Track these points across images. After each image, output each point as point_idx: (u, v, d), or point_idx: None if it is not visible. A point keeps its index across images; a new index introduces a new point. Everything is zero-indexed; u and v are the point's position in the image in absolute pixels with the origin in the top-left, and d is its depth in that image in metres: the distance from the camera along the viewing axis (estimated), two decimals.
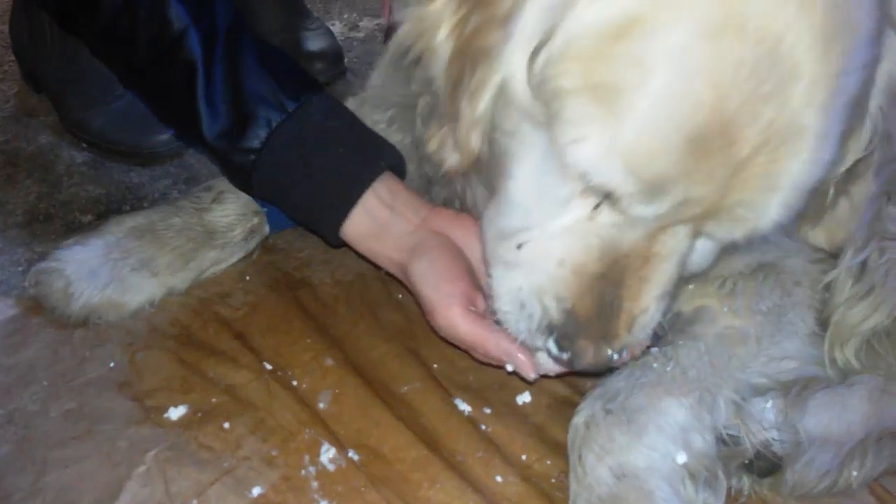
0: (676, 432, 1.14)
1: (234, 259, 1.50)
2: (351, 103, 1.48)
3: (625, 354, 1.07)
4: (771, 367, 1.22)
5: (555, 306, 1.05)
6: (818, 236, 1.25)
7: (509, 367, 1.17)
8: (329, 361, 1.37)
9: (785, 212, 0.93)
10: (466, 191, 1.30)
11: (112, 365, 1.34)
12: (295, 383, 1.33)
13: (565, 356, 1.07)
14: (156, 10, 1.28)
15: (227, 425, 1.26)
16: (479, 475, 1.23)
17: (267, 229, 1.52)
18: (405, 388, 1.35)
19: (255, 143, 1.27)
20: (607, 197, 0.96)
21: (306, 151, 1.27)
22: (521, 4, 0.95)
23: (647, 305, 1.03)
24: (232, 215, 1.47)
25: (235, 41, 1.30)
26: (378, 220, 1.26)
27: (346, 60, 2.15)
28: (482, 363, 1.25)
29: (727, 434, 1.17)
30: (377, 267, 1.35)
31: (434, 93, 1.15)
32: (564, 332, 1.05)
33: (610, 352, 1.05)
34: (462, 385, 1.37)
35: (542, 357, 1.15)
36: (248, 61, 1.29)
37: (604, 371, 1.14)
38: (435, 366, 1.39)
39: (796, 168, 0.90)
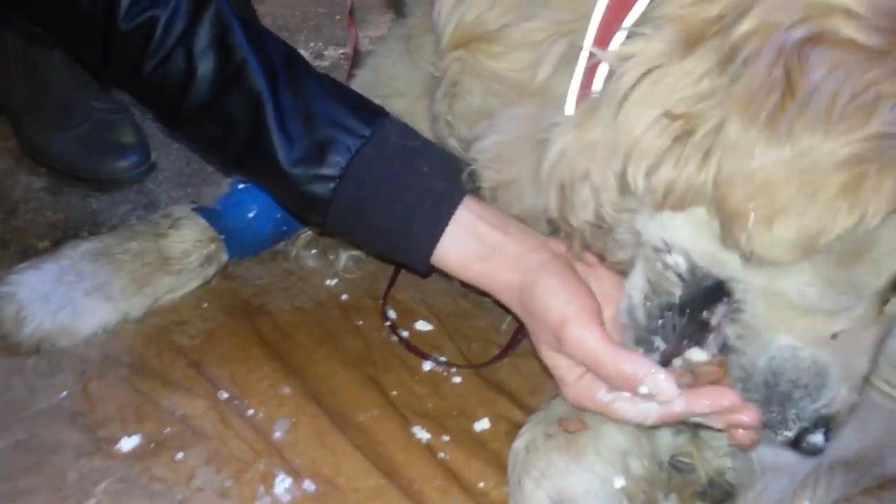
0: (615, 456, 1.13)
1: (190, 286, 1.50)
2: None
3: None
4: None
5: (846, 395, 1.06)
6: None
7: (643, 390, 1.06)
8: (286, 390, 1.35)
9: None
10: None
11: (64, 395, 1.32)
12: (251, 412, 1.32)
13: (826, 443, 1.08)
14: (217, 40, 1.22)
15: (180, 456, 1.24)
16: None
17: (225, 256, 1.52)
18: (363, 416, 1.34)
19: (335, 171, 1.20)
20: None
21: (390, 174, 1.21)
22: None
23: None
24: (189, 241, 1.46)
25: (294, 71, 1.26)
26: (486, 241, 1.19)
27: None
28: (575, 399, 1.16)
29: (681, 461, 1.17)
30: (480, 292, 1.27)
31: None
32: (836, 421, 1.07)
33: None
34: (421, 412, 1.36)
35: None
36: (312, 89, 1.24)
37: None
38: (394, 393, 1.39)
39: None
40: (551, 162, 1.08)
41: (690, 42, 0.98)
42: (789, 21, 0.91)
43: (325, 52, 2.39)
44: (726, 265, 1.02)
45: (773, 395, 1.06)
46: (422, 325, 1.53)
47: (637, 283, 1.09)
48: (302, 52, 2.36)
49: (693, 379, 1.08)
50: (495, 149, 1.21)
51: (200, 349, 1.41)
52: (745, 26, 0.94)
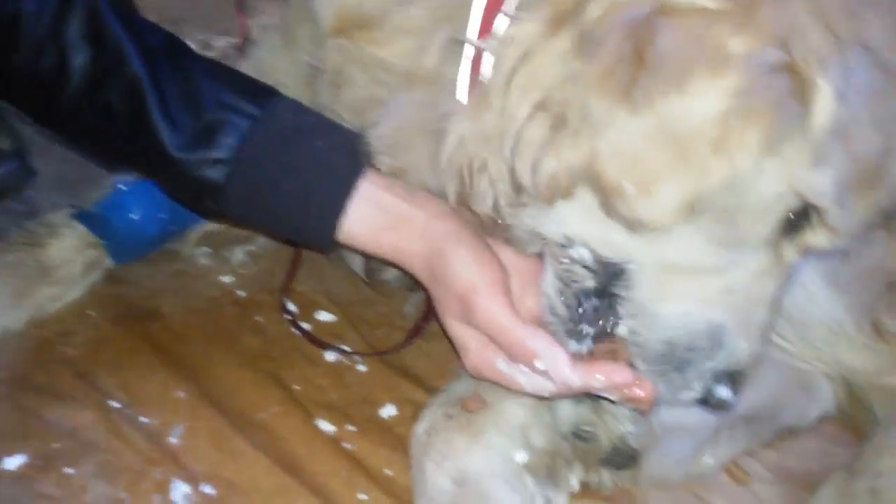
0: (516, 431, 1.13)
1: (74, 294, 1.44)
2: None
3: None
4: None
5: (745, 348, 1.07)
6: None
7: (539, 365, 1.06)
8: (180, 394, 1.31)
9: None
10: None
11: None
12: (144, 420, 1.27)
13: (733, 396, 1.08)
14: (89, 29, 1.16)
15: (69, 471, 1.19)
16: (342, 496, 1.20)
17: (109, 261, 1.46)
18: (264, 414, 1.31)
19: (226, 153, 1.15)
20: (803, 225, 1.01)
21: (285, 152, 1.16)
22: None
23: None
24: (68, 249, 1.41)
25: (176, 56, 1.20)
26: (393, 211, 1.15)
27: None
28: (480, 374, 1.13)
29: (583, 430, 1.17)
30: (389, 264, 1.24)
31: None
32: (741, 374, 1.08)
33: None
34: (324, 404, 1.33)
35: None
36: (196, 73, 1.19)
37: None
38: (296, 387, 1.36)
39: None
40: (449, 151, 1.07)
41: (558, 22, 0.98)
42: None
43: (214, 43, 2.31)
44: (618, 246, 1.03)
45: (670, 364, 1.07)
46: (324, 316, 1.51)
47: (549, 282, 1.09)
48: (189, 43, 2.29)
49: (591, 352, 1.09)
50: (391, 135, 1.18)
51: (88, 359, 1.36)
52: (594, 9, 0.95)
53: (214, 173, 1.16)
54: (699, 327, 1.05)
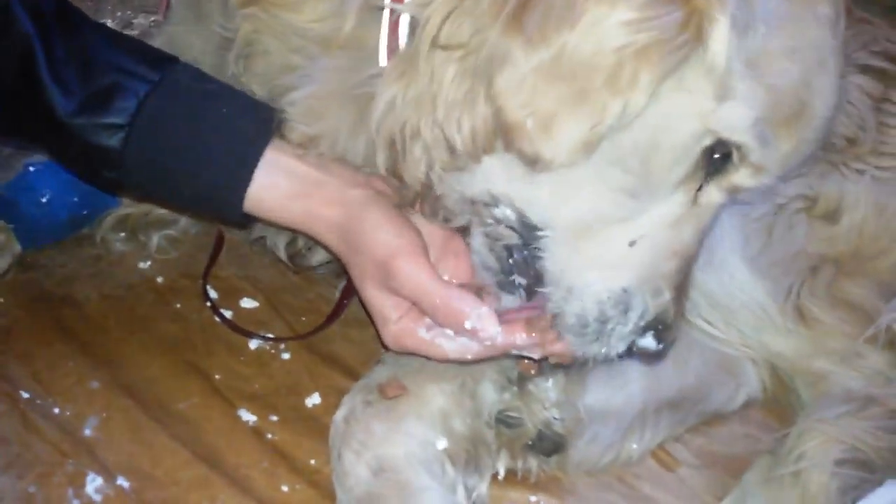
0: (436, 418, 1.12)
1: None
2: None
3: None
4: None
5: (654, 301, 1.04)
6: None
7: (467, 324, 1.05)
8: (94, 384, 1.27)
9: None
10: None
11: None
12: (57, 411, 1.22)
13: (661, 347, 1.07)
14: None
15: None
16: (263, 488, 1.17)
17: (18, 247, 1.40)
18: (183, 405, 1.27)
19: (122, 118, 1.09)
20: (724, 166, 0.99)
21: (187, 117, 1.12)
22: None
23: None
24: None
25: (68, 19, 1.13)
26: (304, 178, 1.12)
27: None
28: (398, 348, 1.13)
29: (509, 416, 1.16)
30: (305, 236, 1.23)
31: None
32: (663, 323, 1.05)
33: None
34: (247, 394, 1.30)
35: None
36: (91, 37, 1.13)
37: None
38: (217, 376, 1.32)
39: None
40: (379, 117, 1.05)
41: None
42: None
43: (135, 21, 2.23)
44: (537, 203, 1.02)
45: (587, 334, 1.06)
46: (247, 303, 1.46)
47: (478, 241, 1.08)
48: (108, 22, 2.21)
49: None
50: (307, 101, 1.15)
51: None
52: None
53: (110, 139, 1.11)
54: (604, 296, 1.04)
